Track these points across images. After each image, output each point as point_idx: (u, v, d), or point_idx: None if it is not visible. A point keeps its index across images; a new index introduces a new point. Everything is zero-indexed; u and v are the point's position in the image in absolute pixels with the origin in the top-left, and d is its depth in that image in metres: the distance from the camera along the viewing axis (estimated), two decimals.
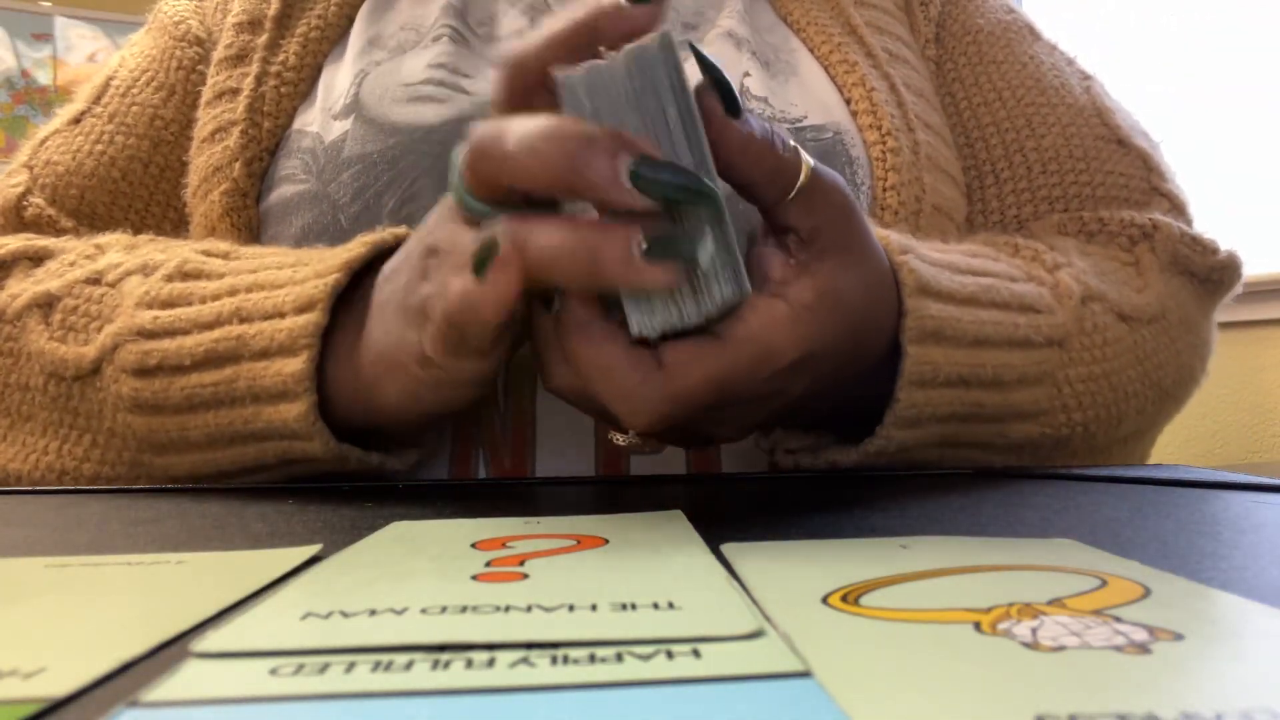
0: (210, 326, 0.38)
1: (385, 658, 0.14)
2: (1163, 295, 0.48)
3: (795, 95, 0.50)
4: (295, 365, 0.36)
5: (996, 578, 0.19)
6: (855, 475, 0.39)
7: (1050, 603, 0.17)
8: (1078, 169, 0.54)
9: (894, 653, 0.14)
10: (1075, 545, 0.22)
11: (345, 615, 0.16)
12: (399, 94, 0.48)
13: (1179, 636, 0.15)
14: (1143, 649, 0.14)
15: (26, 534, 0.27)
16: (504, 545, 0.23)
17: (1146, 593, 0.17)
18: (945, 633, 0.15)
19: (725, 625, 0.15)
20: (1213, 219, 0.53)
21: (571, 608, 0.17)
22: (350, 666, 0.14)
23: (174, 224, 0.55)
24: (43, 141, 0.56)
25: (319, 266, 0.38)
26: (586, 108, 0.27)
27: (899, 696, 0.12)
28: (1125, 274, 0.48)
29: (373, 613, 0.16)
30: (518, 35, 0.52)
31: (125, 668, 0.14)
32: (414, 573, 0.20)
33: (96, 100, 0.56)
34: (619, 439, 0.34)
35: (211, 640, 0.15)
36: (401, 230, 0.38)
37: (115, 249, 0.45)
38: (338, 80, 0.51)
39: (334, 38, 0.54)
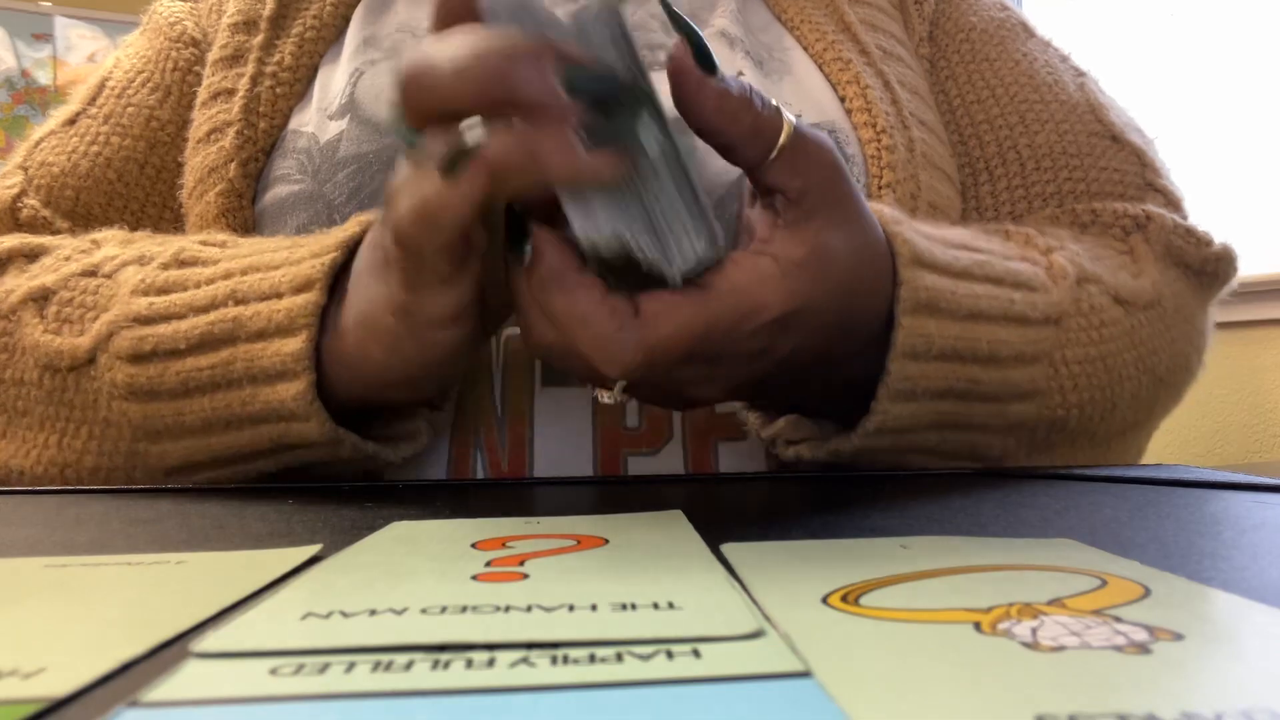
0: (205, 310, 0.38)
1: (385, 658, 0.14)
2: (1159, 283, 0.48)
3: (789, 94, 0.50)
4: (294, 345, 0.36)
5: (996, 578, 0.19)
6: (855, 475, 0.39)
7: (1050, 603, 0.17)
8: (1071, 165, 0.54)
9: (894, 653, 0.14)
10: (1075, 545, 0.22)
11: (345, 615, 0.16)
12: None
13: (1179, 636, 0.15)
14: (1143, 649, 0.14)
15: (26, 534, 0.27)
16: (504, 545, 0.23)
17: (1146, 593, 0.17)
18: (945, 633, 0.15)
19: (725, 625, 0.15)
20: (1211, 219, 0.53)
21: (571, 608, 0.17)
22: (350, 666, 0.14)
23: (170, 225, 0.55)
24: (38, 143, 0.56)
25: (315, 246, 0.38)
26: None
27: (899, 696, 0.12)
28: (1120, 260, 0.48)
29: (373, 613, 0.16)
30: None
31: (125, 668, 0.14)
32: (414, 573, 0.20)
33: (91, 101, 0.56)
34: (604, 396, 0.33)
35: (211, 640, 0.15)
36: None
37: (112, 243, 0.45)
38: (333, 80, 0.51)
39: (330, 38, 0.53)
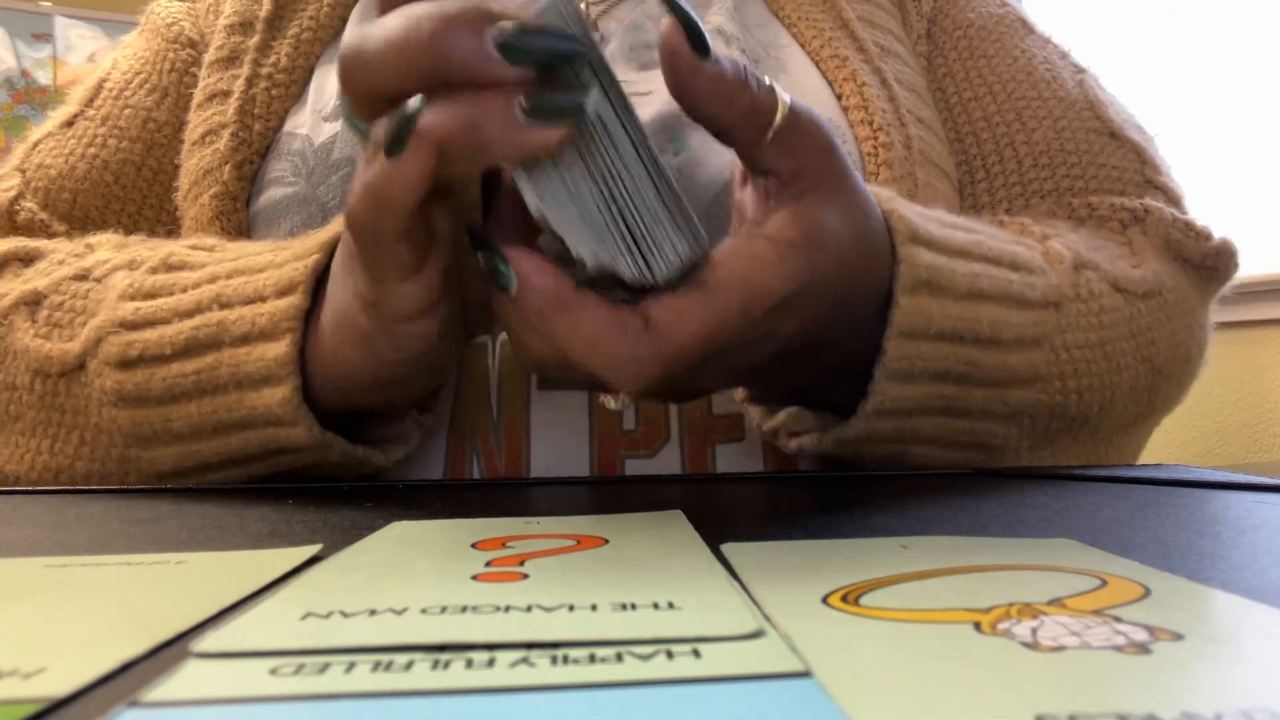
0: (190, 314, 0.38)
1: (385, 658, 0.14)
2: (1159, 273, 0.47)
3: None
4: (278, 349, 0.35)
5: (996, 578, 0.19)
6: (855, 475, 0.39)
7: (1050, 603, 0.17)
8: (1069, 162, 0.54)
9: (894, 653, 0.14)
10: (1075, 545, 0.22)
11: (345, 615, 0.16)
12: None
13: (1179, 636, 0.15)
14: (1143, 649, 0.14)
15: (26, 534, 0.27)
16: (504, 545, 0.23)
17: (1146, 593, 0.17)
18: (945, 633, 0.15)
19: (725, 625, 0.15)
20: (1212, 219, 0.53)
21: (571, 608, 0.17)
22: (350, 666, 0.14)
23: (166, 227, 0.55)
24: (35, 145, 0.56)
25: (299, 249, 0.37)
26: None
27: (899, 696, 0.12)
28: (1118, 250, 0.48)
29: (373, 613, 0.16)
30: None
31: (125, 668, 0.14)
32: (414, 573, 0.20)
33: (89, 103, 0.56)
34: (610, 403, 0.33)
35: (211, 640, 0.15)
36: None
37: (105, 247, 0.45)
38: (329, 82, 0.51)
39: (326, 40, 0.53)
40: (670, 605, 0.17)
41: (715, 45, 0.50)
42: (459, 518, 0.28)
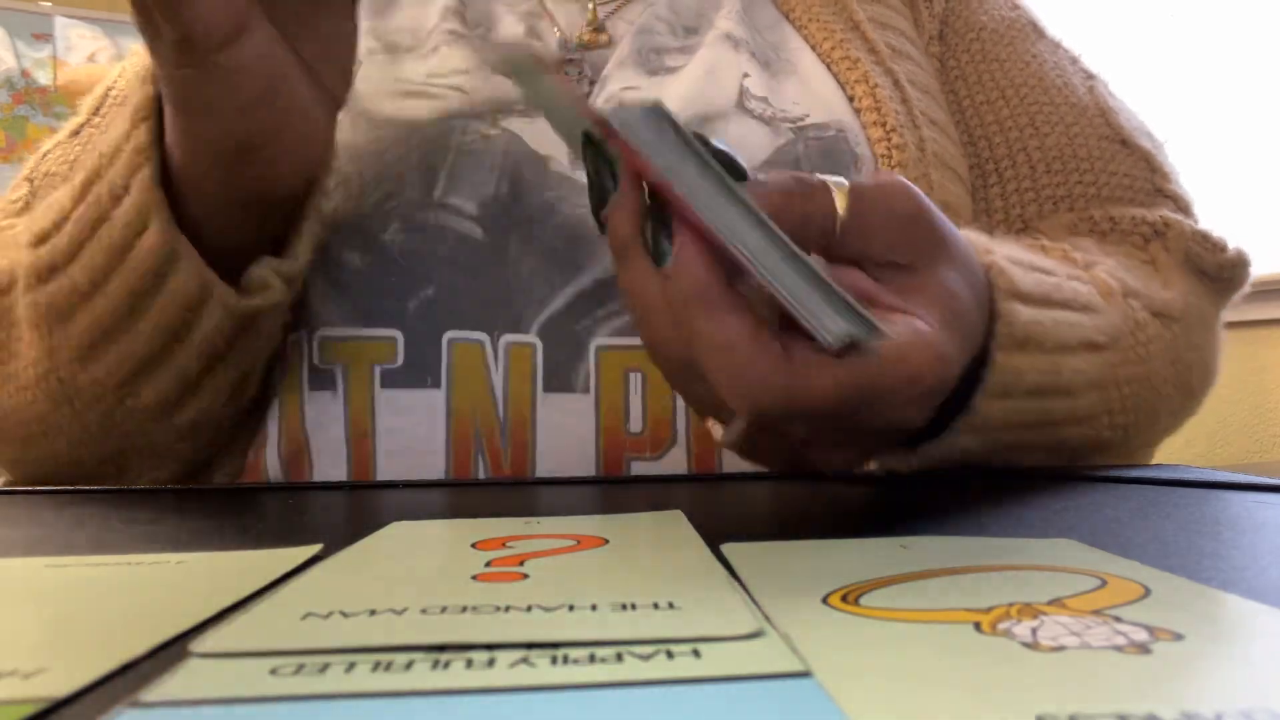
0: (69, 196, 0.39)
1: (385, 658, 0.14)
2: (1185, 293, 0.47)
3: (796, 94, 0.50)
4: (136, 138, 0.37)
5: (996, 578, 0.19)
6: (855, 475, 0.39)
7: (1050, 603, 0.17)
8: (1081, 169, 0.54)
9: (894, 653, 0.14)
10: (1075, 545, 0.22)
11: (345, 615, 0.16)
12: (393, 89, 0.48)
13: (1179, 636, 0.15)
14: (1143, 649, 0.14)
15: (26, 534, 0.27)
16: (504, 545, 0.23)
17: (1146, 593, 0.17)
18: (945, 633, 0.15)
19: (725, 625, 0.15)
20: (1214, 219, 0.53)
21: (571, 608, 0.17)
22: (350, 666, 0.14)
23: None
24: (44, 155, 0.56)
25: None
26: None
27: (899, 696, 0.12)
28: (1146, 270, 0.48)
29: (373, 613, 0.16)
30: (514, 40, 0.52)
31: (125, 668, 0.14)
32: (414, 573, 0.20)
33: (95, 112, 0.57)
34: (716, 430, 0.30)
35: (211, 640, 0.15)
36: None
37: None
38: None
39: None
40: (670, 605, 0.17)
41: (724, 59, 0.50)
42: (459, 517, 0.28)
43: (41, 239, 0.39)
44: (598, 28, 0.54)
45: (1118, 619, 0.16)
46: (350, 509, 0.31)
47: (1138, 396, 0.42)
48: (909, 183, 0.29)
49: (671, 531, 0.25)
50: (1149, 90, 1.96)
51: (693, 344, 0.26)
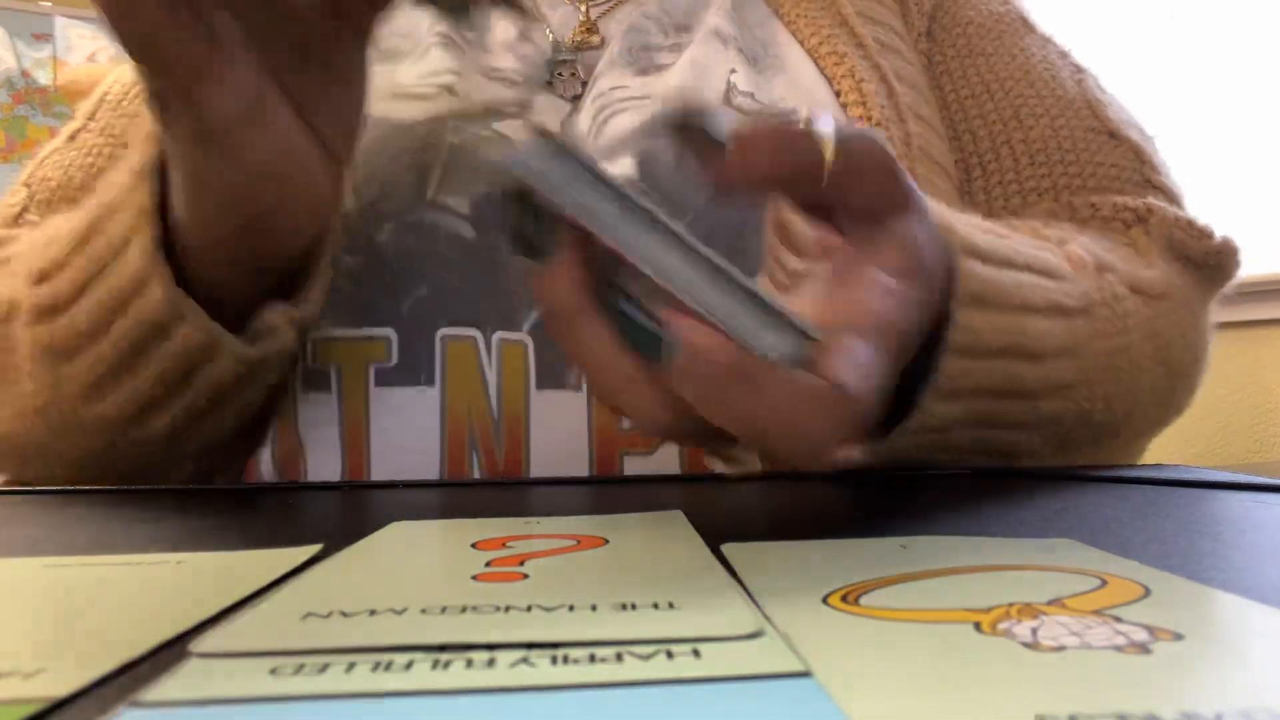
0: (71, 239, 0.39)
1: (385, 658, 0.14)
2: (1168, 273, 0.47)
3: (783, 90, 0.50)
4: (138, 198, 0.36)
5: (996, 578, 0.19)
6: (856, 475, 0.39)
7: (1050, 603, 0.17)
8: (1066, 160, 0.54)
9: (894, 653, 0.14)
10: (1075, 545, 0.22)
11: (345, 615, 0.16)
12: (385, 92, 0.48)
13: (1179, 636, 0.15)
14: (1143, 649, 0.14)
15: (26, 534, 0.27)
16: (504, 545, 0.23)
17: (1146, 593, 0.17)
18: (945, 633, 0.15)
19: (725, 625, 0.15)
20: (1212, 219, 0.53)
21: (571, 608, 0.17)
22: (350, 666, 0.14)
23: None
24: (41, 160, 0.56)
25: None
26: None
27: (899, 696, 0.12)
28: (1127, 252, 0.48)
29: (373, 613, 0.16)
30: (507, 44, 0.52)
31: (125, 668, 0.14)
32: (414, 573, 0.20)
33: (91, 116, 0.57)
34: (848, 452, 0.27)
35: (211, 640, 0.15)
36: None
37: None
38: None
39: None
40: (670, 605, 0.17)
41: (713, 56, 0.50)
42: (458, 517, 0.28)
43: (41, 278, 0.39)
44: (590, 29, 0.54)
45: (1118, 619, 0.16)
46: (350, 509, 0.31)
47: (1117, 369, 0.42)
48: (881, 135, 0.29)
49: (671, 531, 0.25)
50: (1148, 90, 1.96)
51: (744, 417, 0.23)
